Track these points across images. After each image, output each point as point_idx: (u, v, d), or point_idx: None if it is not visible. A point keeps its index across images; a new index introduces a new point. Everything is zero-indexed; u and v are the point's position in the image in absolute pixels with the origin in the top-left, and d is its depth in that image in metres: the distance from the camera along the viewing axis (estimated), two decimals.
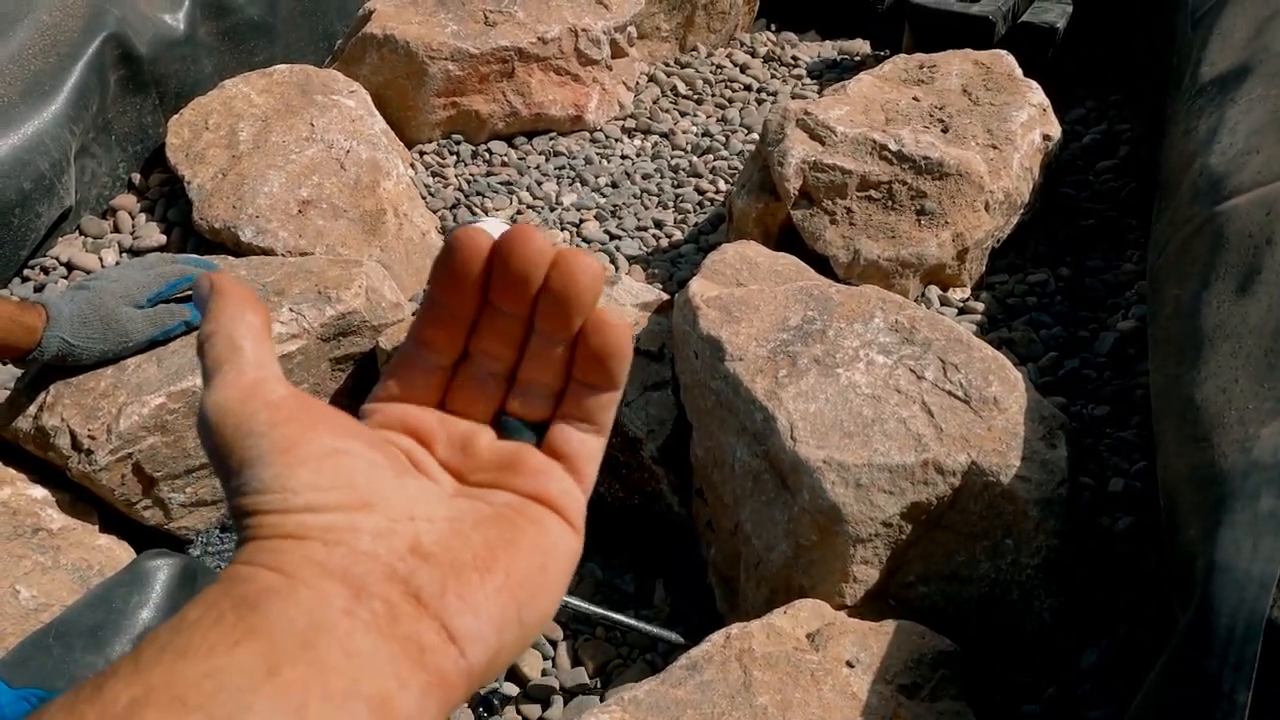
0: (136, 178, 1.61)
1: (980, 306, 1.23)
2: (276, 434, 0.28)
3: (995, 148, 1.29)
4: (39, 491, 1.05)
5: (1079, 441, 0.98)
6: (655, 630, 1.02)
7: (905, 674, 0.81)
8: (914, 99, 1.40)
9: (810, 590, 0.95)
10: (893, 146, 1.26)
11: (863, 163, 1.26)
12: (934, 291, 1.25)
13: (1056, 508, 0.87)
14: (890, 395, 0.98)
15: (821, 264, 1.26)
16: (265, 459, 0.28)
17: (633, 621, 1.02)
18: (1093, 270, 1.32)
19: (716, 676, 0.80)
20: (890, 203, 1.25)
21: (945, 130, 1.31)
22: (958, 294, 1.25)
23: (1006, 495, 0.88)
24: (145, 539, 1.10)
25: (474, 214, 1.59)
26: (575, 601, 1.01)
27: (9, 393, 1.13)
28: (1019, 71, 1.44)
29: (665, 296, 1.26)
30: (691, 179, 1.67)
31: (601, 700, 1.04)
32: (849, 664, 0.81)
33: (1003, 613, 0.90)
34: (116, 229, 1.54)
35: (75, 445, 1.03)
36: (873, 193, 1.26)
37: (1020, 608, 0.89)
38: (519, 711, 1.05)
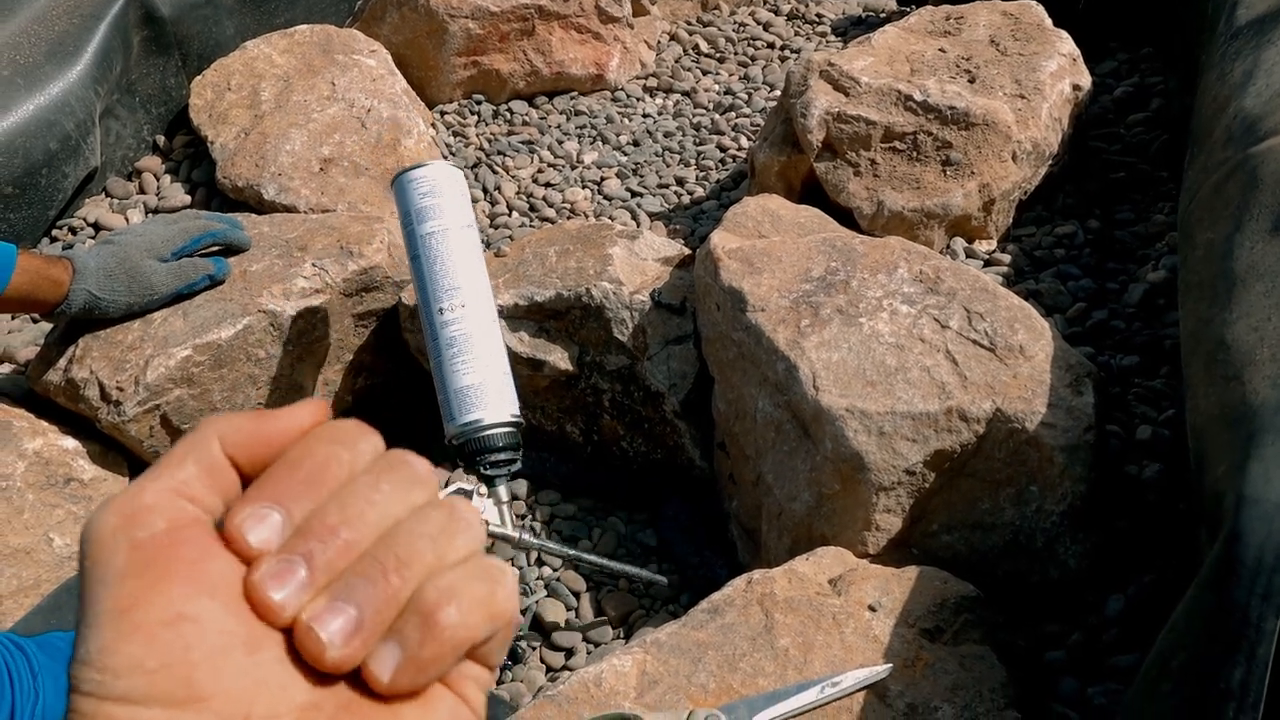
0: (161, 139, 1.62)
1: (1006, 258, 1.21)
2: (122, 587, 0.24)
3: (1023, 97, 1.27)
4: (70, 442, 1.06)
5: (1107, 390, 0.97)
6: (641, 572, 1.02)
7: (928, 618, 0.81)
8: (940, 50, 1.37)
9: (832, 539, 0.95)
10: (918, 97, 1.24)
11: (887, 113, 1.24)
12: (959, 243, 1.23)
13: (1083, 454, 0.86)
14: (914, 344, 0.97)
15: (845, 217, 1.24)
16: (100, 620, 0.24)
17: (614, 564, 1.02)
18: (1122, 223, 1.30)
19: (738, 620, 0.80)
20: (915, 154, 1.23)
21: (972, 80, 1.29)
22: (983, 246, 1.23)
23: (1032, 442, 0.88)
24: None
25: (495, 173, 1.59)
26: (554, 545, 1.00)
27: (40, 349, 1.14)
28: (1048, 21, 1.41)
29: (687, 251, 1.26)
30: (714, 136, 1.65)
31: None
32: (871, 608, 0.81)
33: (1027, 560, 0.89)
34: (142, 190, 1.55)
35: (104, 397, 1.04)
36: (897, 144, 1.24)
37: (1045, 555, 0.88)
38: (543, 660, 1.06)
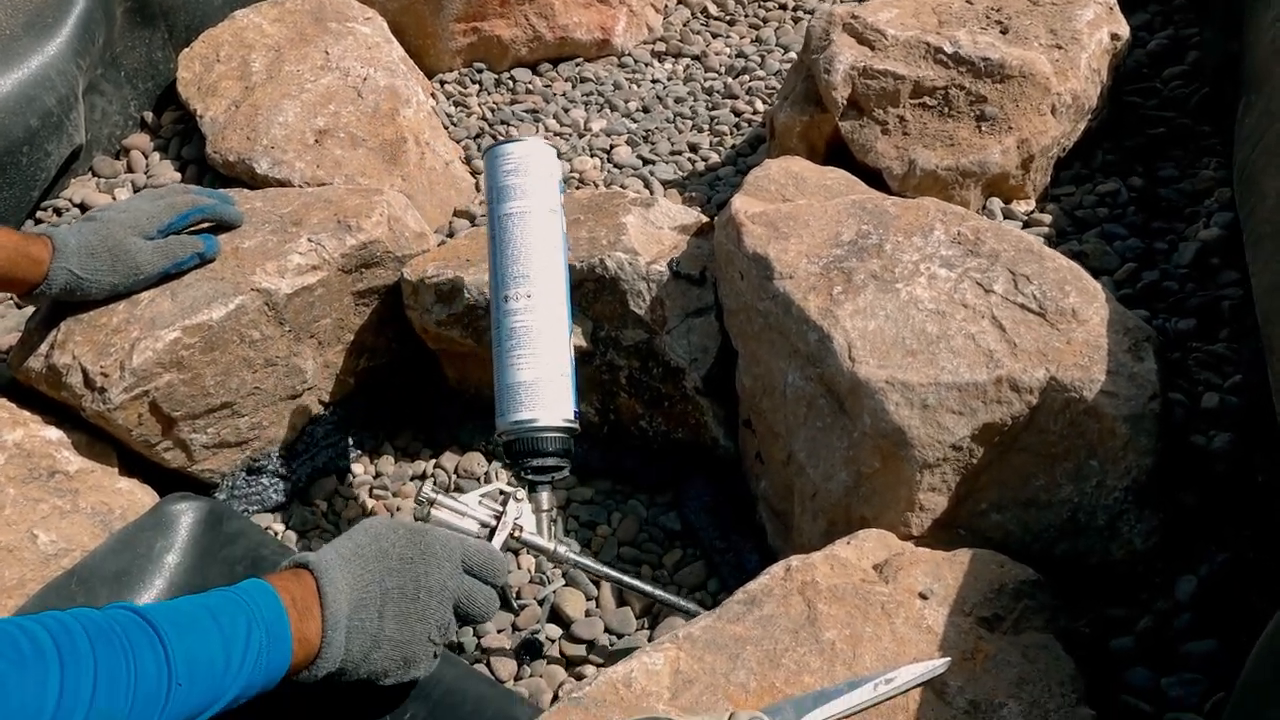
0: (149, 116, 1.55)
1: (1047, 219, 1.14)
2: None
3: (1060, 48, 1.19)
4: (53, 433, 1.00)
5: (1166, 356, 0.90)
6: (675, 600, 0.94)
7: (985, 605, 0.74)
8: (967, 1, 1.29)
9: (873, 521, 0.88)
10: (949, 49, 1.16)
11: (916, 67, 1.17)
12: (996, 203, 1.16)
13: (1148, 425, 0.80)
14: (956, 310, 0.90)
15: (873, 178, 1.17)
16: None
17: (650, 589, 0.93)
18: (1166, 179, 1.22)
19: (777, 611, 0.74)
20: (947, 109, 1.15)
21: (1004, 31, 1.21)
22: (1022, 206, 1.16)
23: (1091, 412, 0.81)
24: (168, 482, 1.05)
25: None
26: (588, 563, 0.92)
27: (21, 334, 1.08)
28: None
29: (705, 219, 1.18)
30: (727, 100, 1.57)
31: (650, 640, 0.98)
32: (922, 595, 0.75)
33: (1087, 540, 0.82)
34: (130, 168, 1.48)
35: (88, 383, 0.97)
36: (927, 99, 1.16)
37: (1107, 534, 0.81)
38: (562, 653, 1.00)
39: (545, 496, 0.92)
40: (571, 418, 0.94)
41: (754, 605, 0.74)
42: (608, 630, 1.00)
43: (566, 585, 1.04)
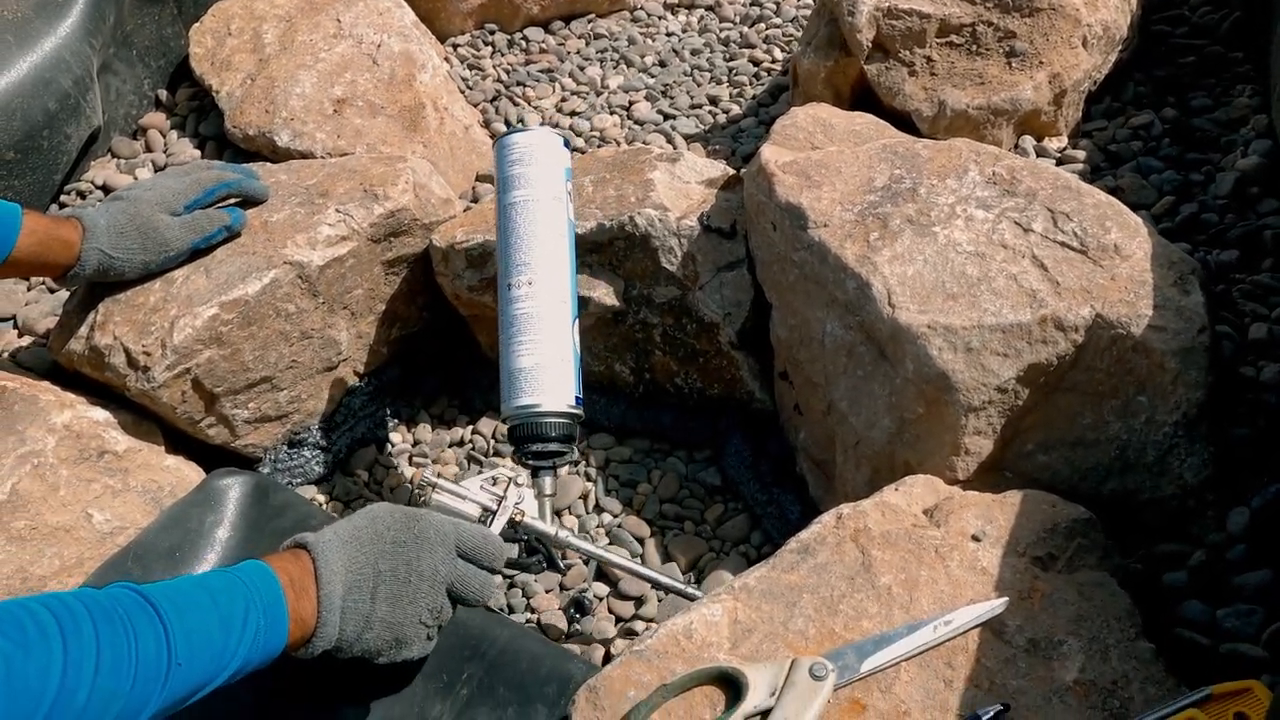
0: (164, 94, 1.54)
1: (1081, 155, 1.12)
2: None
3: None
4: (100, 414, 1.01)
5: (1210, 288, 0.89)
6: (681, 585, 0.93)
7: (1038, 545, 0.74)
8: None
9: (917, 467, 0.88)
10: None
11: (942, 5, 1.14)
12: (1029, 142, 1.14)
13: (1198, 358, 0.79)
14: (995, 251, 0.89)
15: (901, 122, 1.15)
16: None
17: (652, 574, 0.93)
18: (1199, 109, 1.20)
19: (832, 559, 0.74)
20: (975, 47, 1.13)
21: None
22: (1054, 143, 1.14)
23: (1139, 348, 0.80)
24: (212, 458, 1.06)
25: (516, 104, 1.50)
26: (590, 548, 0.92)
27: (59, 318, 1.08)
28: None
29: (732, 171, 1.17)
30: (744, 50, 1.55)
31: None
32: (975, 538, 0.75)
33: (1136, 477, 0.82)
34: (149, 148, 1.48)
35: (131, 363, 0.98)
36: (954, 38, 1.14)
37: (1157, 470, 0.81)
38: (611, 610, 1.01)
39: (548, 481, 0.92)
40: (574, 404, 0.94)
41: (807, 554, 0.75)
42: (655, 587, 1.01)
43: (611, 544, 1.05)
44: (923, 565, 0.73)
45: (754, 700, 0.63)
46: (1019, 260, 0.88)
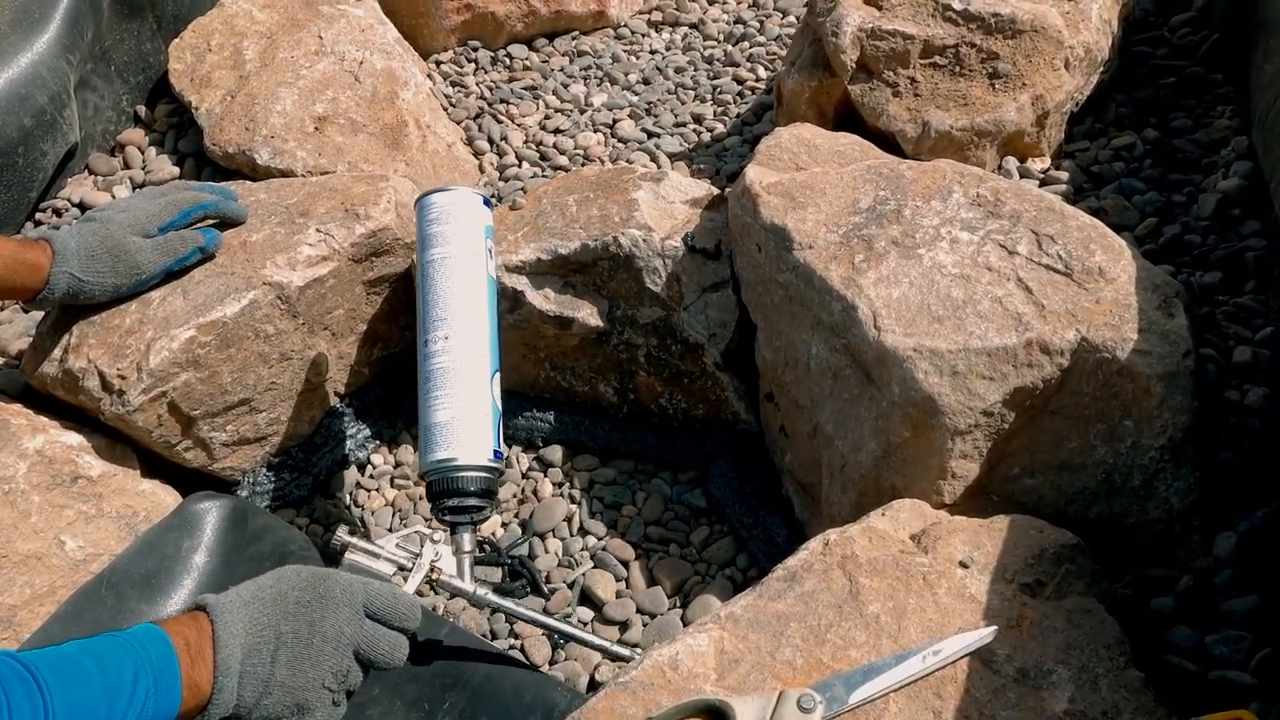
0: (142, 110, 1.53)
1: (1064, 176, 1.13)
2: None
3: None
4: (74, 438, 0.99)
5: (1194, 311, 0.89)
6: (608, 645, 0.88)
7: (1026, 571, 0.73)
8: None
9: (904, 490, 0.88)
10: (958, 5, 1.14)
11: (925, 26, 1.15)
12: (1012, 163, 1.14)
13: (1183, 382, 0.79)
14: (980, 274, 0.89)
15: (885, 142, 1.15)
16: None
17: (579, 633, 0.89)
18: (1179, 130, 1.21)
19: (819, 586, 0.73)
20: (958, 68, 1.13)
21: None
22: (1038, 164, 1.14)
23: (1125, 372, 0.80)
24: (189, 482, 1.04)
25: (499, 122, 1.49)
26: (511, 605, 0.88)
27: (32, 339, 1.06)
28: None
29: (716, 191, 1.17)
30: (728, 69, 1.55)
31: (683, 621, 0.98)
32: (963, 564, 0.74)
33: (1123, 501, 0.82)
34: (126, 165, 1.46)
35: (105, 387, 0.96)
36: (938, 59, 1.15)
37: (1143, 494, 0.81)
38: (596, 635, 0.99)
39: (467, 538, 0.89)
40: (493, 458, 0.91)
41: (794, 581, 0.74)
42: (640, 610, 1.00)
43: (596, 568, 1.04)
44: (910, 593, 0.72)
45: None
46: (1004, 283, 0.88)
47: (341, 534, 0.85)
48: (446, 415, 0.91)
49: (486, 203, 1.01)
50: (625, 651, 0.88)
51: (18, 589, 0.89)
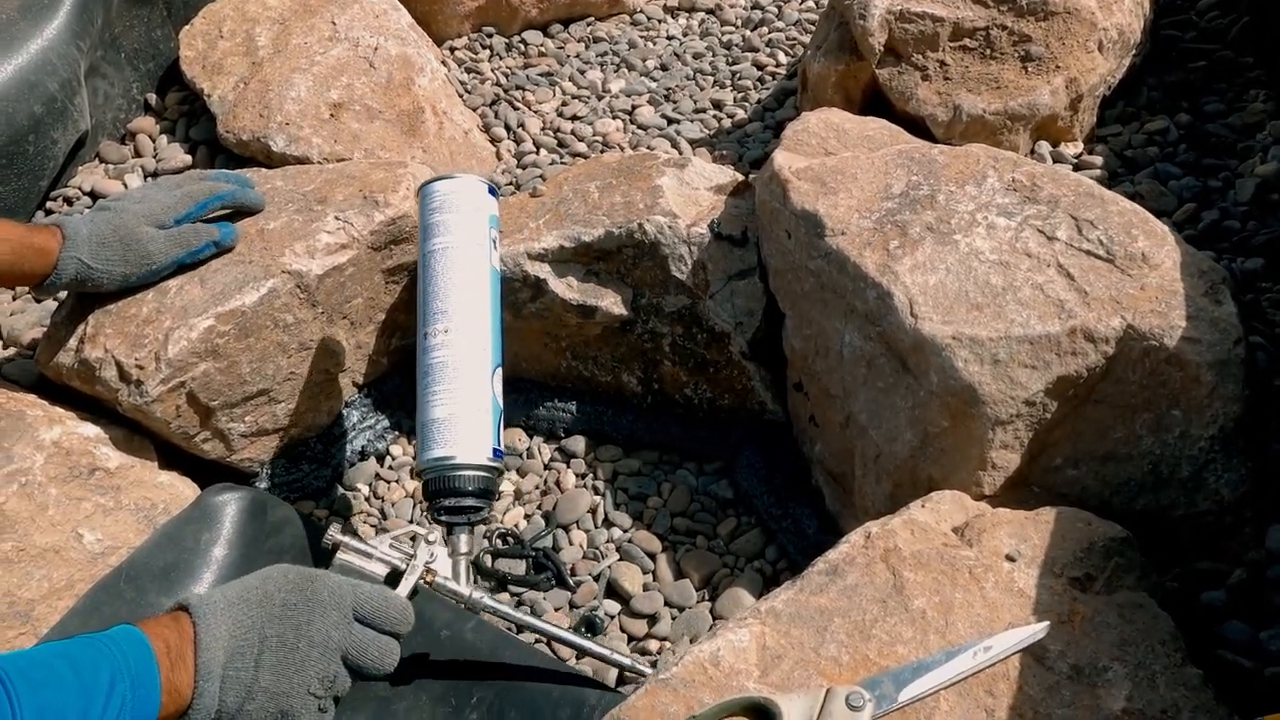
0: (152, 98, 1.50)
1: (1098, 160, 1.10)
2: None
3: None
4: (90, 429, 0.97)
5: (1239, 298, 0.87)
6: (624, 659, 0.85)
7: (1075, 565, 0.71)
8: None
9: (941, 481, 0.86)
10: None
11: (955, 8, 1.12)
12: (1045, 147, 1.12)
13: (1234, 370, 0.77)
14: (1020, 260, 0.87)
15: (914, 127, 1.13)
16: None
17: (592, 645, 0.85)
18: (1213, 115, 1.19)
19: (861, 580, 0.71)
20: (989, 51, 1.11)
21: None
22: (1070, 149, 1.12)
23: (1173, 360, 0.78)
24: (208, 473, 1.02)
25: (516, 109, 1.47)
26: (508, 610, 0.84)
27: (46, 329, 1.05)
28: None
29: (740, 177, 1.14)
30: (747, 54, 1.53)
31: (712, 614, 0.97)
32: (1009, 558, 0.72)
33: (1171, 493, 0.80)
34: (138, 153, 1.44)
35: (123, 377, 0.94)
36: (968, 41, 1.12)
37: (1192, 485, 0.79)
38: (623, 629, 0.98)
39: (464, 539, 0.85)
40: (493, 456, 0.88)
41: (836, 575, 0.72)
42: (668, 603, 0.98)
43: (622, 560, 1.02)
44: (957, 587, 0.70)
45: None
46: (1044, 269, 0.86)
47: (333, 533, 0.82)
48: (444, 411, 0.88)
49: (492, 191, 0.98)
50: (644, 667, 0.85)
51: (35, 583, 0.87)
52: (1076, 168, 1.10)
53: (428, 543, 0.82)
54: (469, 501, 0.86)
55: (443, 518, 0.86)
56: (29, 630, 0.85)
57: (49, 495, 0.91)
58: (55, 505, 0.90)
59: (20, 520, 0.88)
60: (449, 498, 0.86)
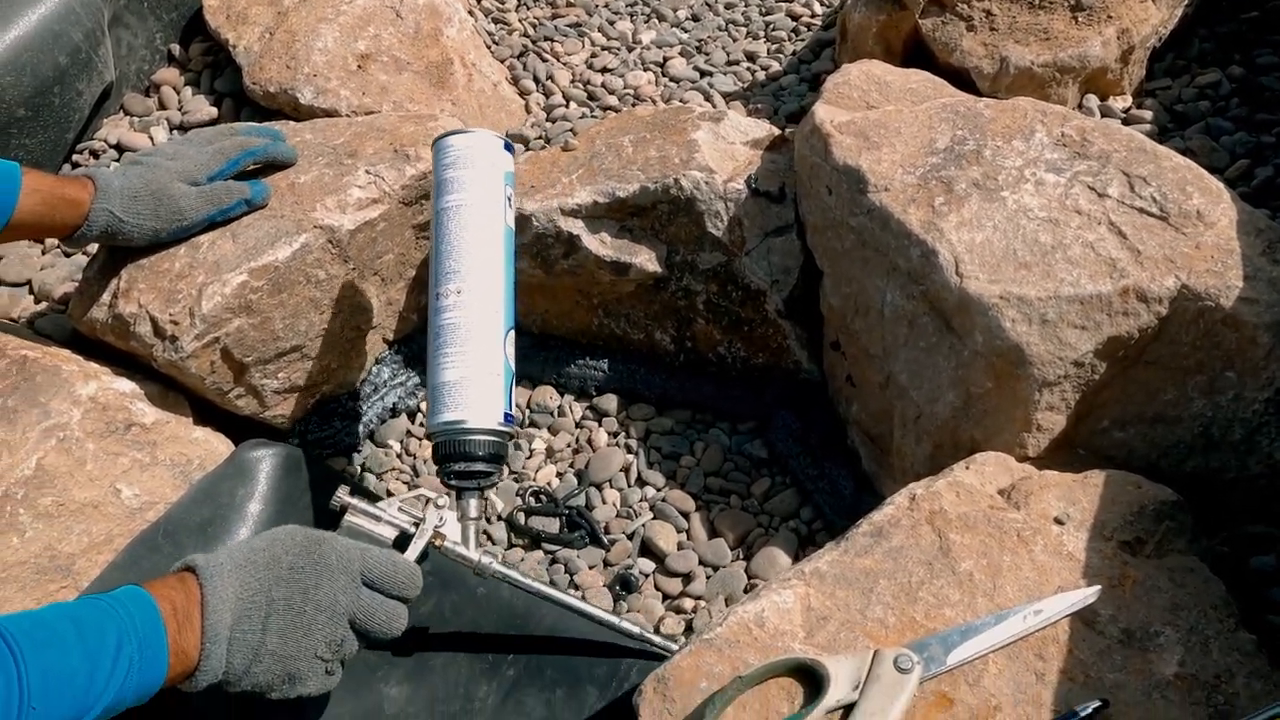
0: (176, 49, 1.48)
1: (1147, 115, 1.07)
2: None
3: None
4: (126, 384, 0.97)
5: None
6: (652, 636, 0.84)
7: (1125, 529, 0.70)
8: None
9: (984, 443, 0.85)
10: None
11: None
12: (1093, 100, 1.09)
13: None
14: (1070, 218, 0.85)
15: (958, 80, 1.10)
16: None
17: (609, 615, 0.83)
18: (1266, 67, 1.15)
19: (907, 542, 0.70)
20: (1037, 0, 1.07)
21: None
22: (1119, 103, 1.09)
23: (1229, 321, 0.76)
24: (242, 429, 1.02)
25: (545, 60, 1.44)
26: (518, 577, 0.82)
27: (79, 283, 1.04)
28: None
29: (777, 131, 1.12)
30: (781, 4, 1.49)
31: (747, 574, 0.96)
32: (1058, 520, 0.71)
33: (1221, 455, 0.78)
34: (162, 105, 1.42)
35: (158, 333, 0.94)
36: None
37: (1244, 448, 0.77)
38: (658, 587, 0.98)
39: (473, 504, 0.84)
40: (504, 421, 0.86)
41: (881, 537, 0.71)
42: (702, 563, 0.98)
43: (655, 519, 1.02)
44: (1005, 550, 0.69)
45: (836, 694, 0.60)
46: (1095, 227, 0.84)
47: (341, 494, 0.81)
48: (455, 375, 0.86)
49: (508, 147, 0.95)
50: (673, 645, 0.83)
51: (75, 537, 0.88)
52: (1125, 122, 1.07)
53: (437, 507, 0.82)
54: (479, 466, 0.85)
55: (452, 482, 0.85)
56: (70, 584, 0.86)
57: (86, 450, 0.91)
58: (93, 460, 0.91)
59: (59, 475, 0.89)
60: (459, 462, 0.85)
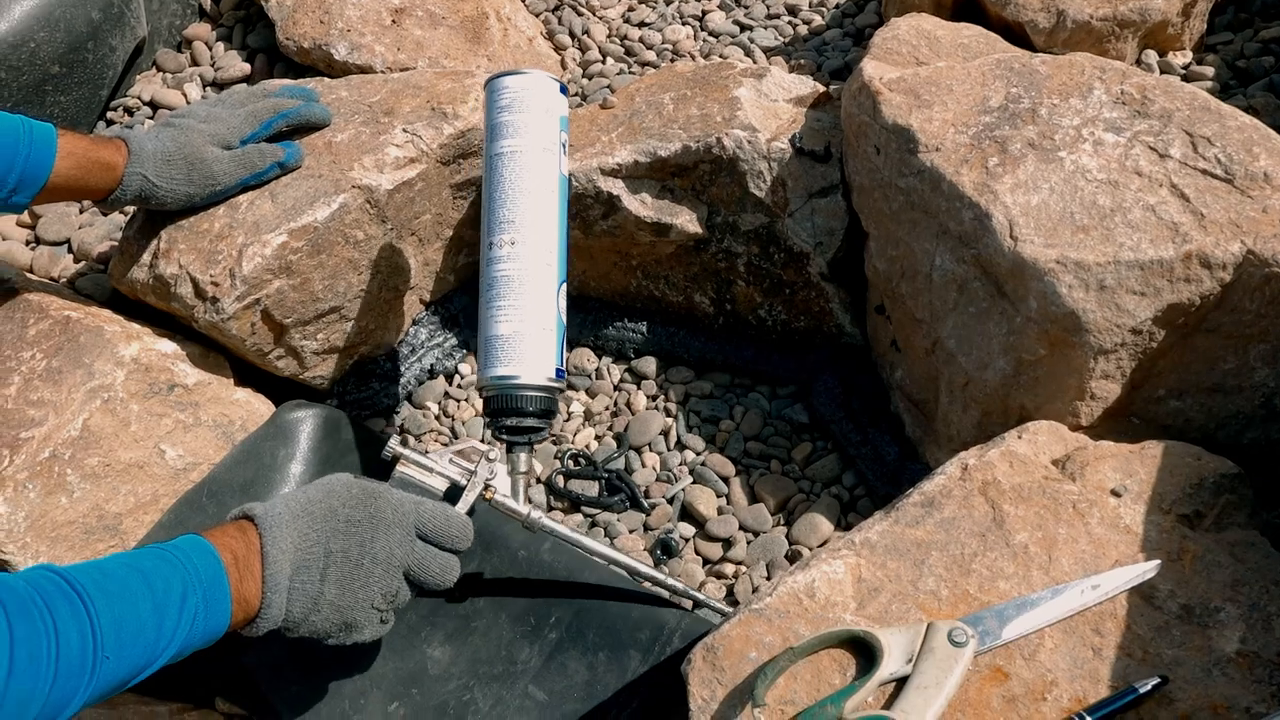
0: (208, 3, 1.46)
1: (1208, 71, 1.03)
2: None
3: None
4: (168, 345, 0.97)
5: None
6: (698, 595, 0.85)
7: (1184, 502, 0.69)
8: None
9: (1034, 411, 0.83)
10: None
11: None
12: (1152, 56, 1.05)
13: None
14: (1129, 180, 0.82)
15: (1011, 34, 1.06)
16: None
17: (651, 571, 0.84)
18: None
19: (959, 513, 0.69)
20: None
21: None
22: (1179, 58, 1.05)
23: None
24: (281, 390, 1.02)
25: (580, 14, 1.41)
26: (566, 532, 0.83)
27: (117, 244, 1.04)
28: None
29: (821, 88, 1.09)
30: None
31: (789, 540, 0.96)
32: (1115, 493, 0.70)
33: None
34: (195, 61, 1.41)
35: (199, 294, 0.94)
36: None
37: None
38: (698, 551, 0.97)
39: (523, 458, 0.84)
40: (555, 376, 0.85)
41: (933, 508, 0.70)
42: (743, 528, 0.98)
43: (695, 483, 1.01)
44: (1060, 522, 0.68)
45: (889, 667, 0.60)
46: (1156, 189, 0.81)
47: (394, 445, 0.81)
48: (509, 328, 0.85)
49: (563, 90, 0.92)
50: (723, 606, 0.83)
51: (122, 497, 0.88)
52: (1186, 79, 1.04)
53: (488, 460, 0.82)
54: (530, 421, 0.85)
55: (504, 436, 0.85)
56: (118, 543, 0.87)
57: (131, 411, 0.91)
58: (137, 421, 0.91)
59: (105, 436, 0.89)
60: (511, 417, 0.85)
